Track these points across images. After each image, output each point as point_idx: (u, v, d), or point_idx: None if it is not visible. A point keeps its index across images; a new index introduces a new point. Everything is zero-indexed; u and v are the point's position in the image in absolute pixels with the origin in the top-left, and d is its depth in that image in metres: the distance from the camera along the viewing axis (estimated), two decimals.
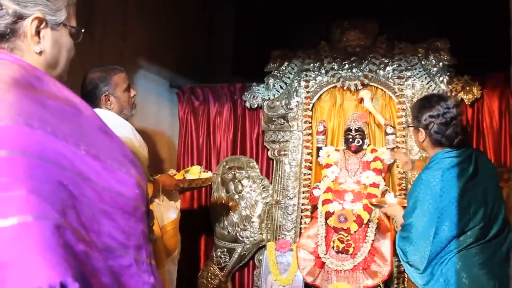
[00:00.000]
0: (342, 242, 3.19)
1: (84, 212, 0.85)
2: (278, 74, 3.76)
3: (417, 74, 3.51)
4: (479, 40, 3.69)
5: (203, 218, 3.87)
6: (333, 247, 3.24)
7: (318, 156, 3.58)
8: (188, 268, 3.73)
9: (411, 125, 2.41)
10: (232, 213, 3.71)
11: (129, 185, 0.98)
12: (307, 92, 3.68)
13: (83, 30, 1.11)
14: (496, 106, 3.46)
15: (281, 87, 3.75)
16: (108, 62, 3.03)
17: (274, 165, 3.73)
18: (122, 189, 0.95)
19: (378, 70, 3.57)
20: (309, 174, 3.64)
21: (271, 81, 3.77)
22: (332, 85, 3.65)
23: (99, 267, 0.85)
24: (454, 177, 2.06)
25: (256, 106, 3.82)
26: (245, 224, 3.68)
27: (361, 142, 3.38)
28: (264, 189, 3.72)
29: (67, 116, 0.94)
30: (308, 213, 3.58)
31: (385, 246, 3.20)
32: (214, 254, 3.72)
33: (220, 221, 3.73)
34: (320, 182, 3.46)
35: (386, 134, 3.45)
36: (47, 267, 0.72)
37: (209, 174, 2.94)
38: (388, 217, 3.28)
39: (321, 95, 3.69)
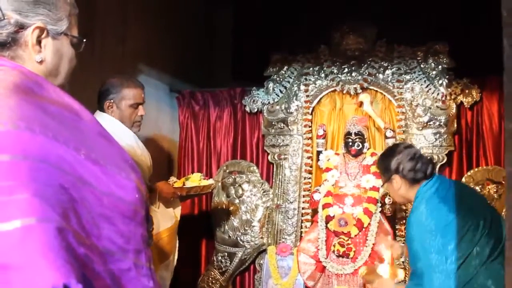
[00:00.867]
0: (342, 246, 3.19)
1: (85, 215, 0.85)
2: (278, 78, 3.77)
3: (417, 77, 3.51)
4: (478, 43, 3.70)
5: (204, 223, 3.87)
6: (333, 251, 3.23)
7: (318, 160, 3.57)
8: (189, 273, 3.74)
9: (383, 182, 2.41)
10: (232, 218, 3.71)
11: (129, 190, 0.98)
12: (307, 96, 3.68)
13: (84, 40, 1.12)
14: (496, 109, 3.45)
15: (281, 91, 3.75)
16: (108, 67, 3.04)
17: (274, 169, 3.73)
18: (122, 194, 0.95)
19: (377, 74, 3.57)
20: (309, 178, 3.64)
21: (270, 85, 3.77)
22: (332, 89, 3.66)
23: (99, 270, 0.85)
24: (438, 202, 2.10)
25: (256, 110, 3.82)
26: (246, 228, 3.67)
27: (361, 146, 3.38)
28: (264, 193, 3.71)
29: (67, 121, 0.94)
30: (309, 217, 3.57)
31: (385, 249, 3.19)
32: (215, 259, 3.71)
33: (220, 226, 3.73)
34: (320, 186, 3.46)
35: (386, 137, 3.44)
36: (51, 269, 0.72)
37: (209, 182, 2.92)
38: (388, 220, 3.28)
39: (320, 99, 3.69)
